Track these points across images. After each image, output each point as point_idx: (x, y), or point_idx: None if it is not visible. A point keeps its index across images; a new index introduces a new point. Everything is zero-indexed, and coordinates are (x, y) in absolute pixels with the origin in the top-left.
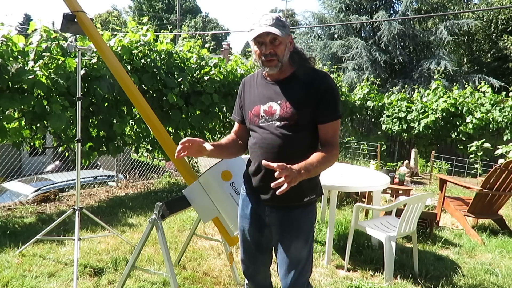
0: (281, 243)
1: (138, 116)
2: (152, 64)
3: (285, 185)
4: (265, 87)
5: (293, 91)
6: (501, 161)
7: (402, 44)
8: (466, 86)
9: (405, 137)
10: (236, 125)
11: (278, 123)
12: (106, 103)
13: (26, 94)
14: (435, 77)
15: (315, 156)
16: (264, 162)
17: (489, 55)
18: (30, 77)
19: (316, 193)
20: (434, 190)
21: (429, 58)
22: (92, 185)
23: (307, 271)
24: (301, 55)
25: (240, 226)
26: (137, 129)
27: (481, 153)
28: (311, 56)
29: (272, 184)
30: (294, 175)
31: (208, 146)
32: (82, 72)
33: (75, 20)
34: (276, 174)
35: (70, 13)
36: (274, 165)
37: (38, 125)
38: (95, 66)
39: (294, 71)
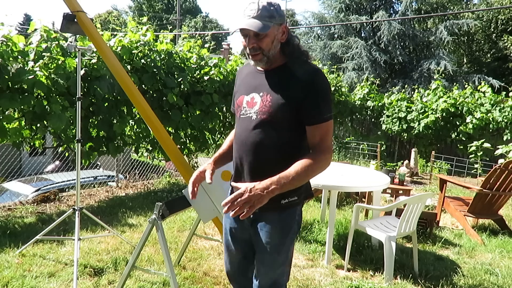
0: (255, 245)
1: (138, 116)
2: (152, 64)
3: (245, 211)
4: (253, 76)
5: (278, 83)
6: (501, 161)
7: (402, 44)
8: (466, 86)
9: (405, 137)
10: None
11: (254, 117)
12: (106, 103)
13: (26, 94)
14: (435, 77)
15: (295, 166)
16: (233, 183)
17: (489, 55)
18: (30, 77)
19: (298, 195)
20: (434, 190)
21: (429, 58)
22: (92, 185)
23: (281, 276)
24: (295, 47)
25: (223, 225)
26: (137, 129)
27: (481, 153)
28: (305, 50)
29: (231, 214)
30: (255, 198)
31: (211, 166)
32: (82, 72)
33: (75, 20)
34: (231, 214)
35: (70, 13)
36: (237, 187)
37: (38, 125)
38: (95, 66)
39: (285, 62)
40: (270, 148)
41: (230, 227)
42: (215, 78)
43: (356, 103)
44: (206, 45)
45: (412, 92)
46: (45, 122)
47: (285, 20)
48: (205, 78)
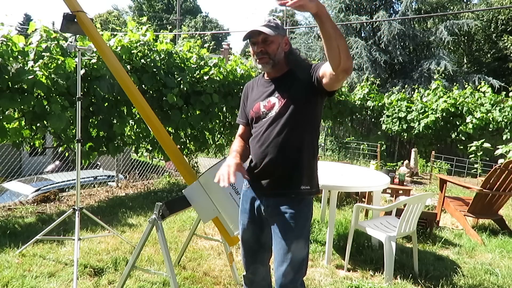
0: (275, 237)
1: (138, 116)
2: (152, 64)
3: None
4: (264, 86)
5: (289, 84)
6: (501, 161)
7: (402, 44)
8: (466, 86)
9: (405, 137)
10: (242, 128)
11: (275, 114)
12: (106, 103)
13: (26, 94)
14: (435, 77)
15: None
16: None
17: (489, 55)
18: (30, 77)
19: (312, 186)
20: (434, 190)
21: (429, 58)
22: (92, 185)
23: (300, 268)
24: (297, 56)
25: (240, 221)
26: (137, 129)
27: (481, 153)
28: (306, 58)
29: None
30: None
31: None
32: (82, 72)
33: (75, 20)
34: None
35: (70, 13)
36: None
37: (38, 125)
38: (95, 66)
39: (289, 69)
40: (290, 139)
41: (247, 222)
42: (215, 78)
43: (356, 103)
44: (206, 45)
45: (412, 92)
46: (45, 122)
47: (286, 34)
48: (205, 78)
